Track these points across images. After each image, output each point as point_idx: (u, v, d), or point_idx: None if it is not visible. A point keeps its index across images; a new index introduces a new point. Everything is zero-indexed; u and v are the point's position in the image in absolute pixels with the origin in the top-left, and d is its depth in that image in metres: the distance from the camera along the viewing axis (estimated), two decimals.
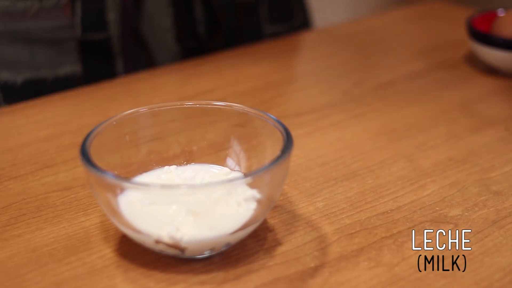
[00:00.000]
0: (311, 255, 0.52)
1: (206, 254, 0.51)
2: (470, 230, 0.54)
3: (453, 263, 0.51)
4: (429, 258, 0.51)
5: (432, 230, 0.54)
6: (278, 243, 0.53)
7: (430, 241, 0.53)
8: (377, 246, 0.53)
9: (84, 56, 0.82)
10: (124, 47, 0.83)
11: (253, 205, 0.50)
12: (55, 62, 0.80)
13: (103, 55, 0.83)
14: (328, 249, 0.52)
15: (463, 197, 0.59)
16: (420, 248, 0.52)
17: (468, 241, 0.53)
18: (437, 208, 0.57)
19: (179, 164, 0.57)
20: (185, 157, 0.57)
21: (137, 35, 0.84)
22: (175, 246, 0.48)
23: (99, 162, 0.50)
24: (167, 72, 0.84)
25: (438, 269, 0.50)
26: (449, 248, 0.52)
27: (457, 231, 0.54)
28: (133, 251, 0.52)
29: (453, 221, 0.56)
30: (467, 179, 0.61)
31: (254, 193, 0.50)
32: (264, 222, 0.55)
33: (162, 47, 0.86)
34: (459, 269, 0.50)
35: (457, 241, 0.53)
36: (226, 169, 0.56)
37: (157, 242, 0.48)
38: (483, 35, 0.83)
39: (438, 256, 0.51)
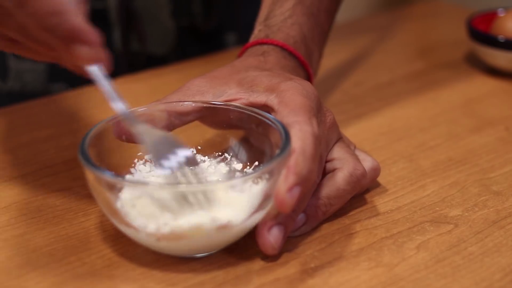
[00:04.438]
0: (311, 255, 0.52)
1: (206, 253, 0.51)
2: (470, 231, 0.54)
3: (453, 263, 0.51)
4: (429, 258, 0.51)
5: (432, 230, 0.54)
6: None
7: (430, 241, 0.53)
8: (377, 246, 0.53)
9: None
10: (121, 19, 0.84)
11: (252, 203, 0.50)
12: None
13: (101, 25, 0.84)
14: (328, 249, 0.52)
15: (463, 197, 0.59)
16: (420, 248, 0.52)
17: (468, 241, 0.53)
18: (437, 208, 0.57)
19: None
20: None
21: (132, 8, 0.85)
22: (176, 237, 0.48)
23: (98, 162, 0.50)
24: (167, 72, 0.84)
25: (438, 269, 0.50)
26: (449, 248, 0.52)
27: (457, 231, 0.54)
28: (133, 251, 0.52)
29: (453, 221, 0.56)
30: (467, 179, 0.61)
31: (254, 191, 0.50)
32: None
33: (156, 22, 0.87)
34: (459, 269, 0.50)
35: (457, 241, 0.53)
36: (225, 168, 0.56)
37: (159, 239, 0.48)
38: (483, 35, 0.83)
39: (438, 256, 0.51)
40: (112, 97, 0.49)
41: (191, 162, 0.51)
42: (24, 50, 0.51)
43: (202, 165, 0.56)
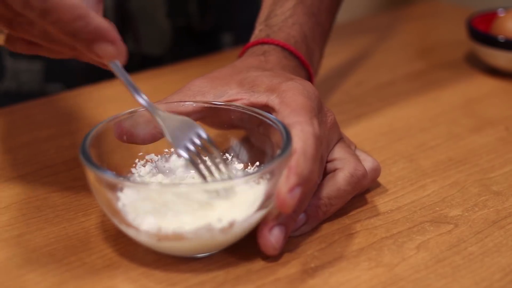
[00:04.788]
0: (311, 255, 0.52)
1: (207, 254, 0.51)
2: (470, 230, 0.54)
3: (453, 263, 0.51)
4: (429, 258, 0.51)
5: (432, 230, 0.54)
6: None
7: (430, 241, 0.53)
8: (377, 246, 0.53)
9: None
10: (117, 19, 0.85)
11: (253, 203, 0.50)
12: None
13: None
14: (328, 249, 0.52)
15: (463, 197, 0.59)
16: (420, 248, 0.52)
17: (468, 241, 0.53)
18: (437, 208, 0.57)
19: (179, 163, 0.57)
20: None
21: (127, 8, 0.85)
22: (177, 238, 0.48)
23: (99, 162, 0.50)
24: (167, 72, 0.84)
25: (438, 269, 0.50)
26: (449, 248, 0.52)
27: (457, 231, 0.54)
28: (133, 251, 0.52)
29: (453, 221, 0.56)
30: (467, 179, 0.61)
31: (255, 192, 0.50)
32: None
33: (152, 22, 0.87)
34: (459, 269, 0.50)
35: (457, 241, 0.53)
36: (225, 168, 0.56)
37: (160, 239, 0.48)
38: (483, 35, 0.83)
39: (438, 256, 0.51)
40: (132, 89, 0.51)
41: (211, 146, 0.52)
42: (46, 52, 0.52)
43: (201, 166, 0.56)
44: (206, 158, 0.52)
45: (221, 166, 0.52)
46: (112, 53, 0.48)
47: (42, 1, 0.45)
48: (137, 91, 0.51)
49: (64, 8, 0.46)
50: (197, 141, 0.52)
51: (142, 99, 0.51)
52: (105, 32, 0.47)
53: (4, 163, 0.64)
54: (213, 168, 0.52)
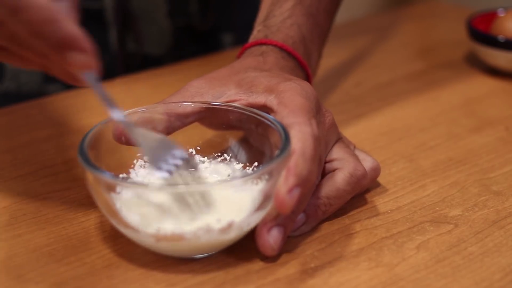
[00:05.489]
0: (311, 255, 0.52)
1: (206, 254, 0.51)
2: (470, 231, 0.54)
3: (453, 263, 0.51)
4: (429, 258, 0.51)
5: (432, 230, 0.54)
6: None
7: (430, 241, 0.53)
8: (377, 246, 0.53)
9: (80, 22, 0.83)
10: (118, 19, 0.84)
11: (252, 203, 0.50)
12: None
13: (98, 24, 0.84)
14: (328, 249, 0.52)
15: (463, 197, 0.59)
16: (420, 248, 0.52)
17: (468, 241, 0.53)
18: (437, 208, 0.57)
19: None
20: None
21: (128, 8, 0.85)
22: (176, 239, 0.48)
23: (98, 162, 0.50)
24: (167, 72, 0.84)
25: (438, 269, 0.50)
26: (449, 248, 0.52)
27: (457, 231, 0.54)
28: (133, 251, 0.52)
29: (453, 221, 0.56)
30: (467, 179, 0.61)
31: (254, 192, 0.50)
32: None
33: (153, 22, 0.87)
34: (459, 269, 0.50)
35: (457, 241, 0.53)
36: (225, 169, 0.56)
37: (159, 240, 0.48)
38: (483, 35, 0.83)
39: (438, 256, 0.51)
40: (107, 102, 0.49)
41: (189, 164, 0.51)
42: (13, 58, 0.50)
43: (201, 166, 0.56)
44: (185, 176, 0.51)
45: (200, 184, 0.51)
46: (84, 63, 0.46)
47: None
48: (112, 105, 0.49)
49: (35, 8, 0.45)
50: (175, 160, 0.50)
51: (117, 114, 0.49)
52: (77, 40, 0.46)
53: (4, 163, 0.64)
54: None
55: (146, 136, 0.51)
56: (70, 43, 0.46)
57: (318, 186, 0.54)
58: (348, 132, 0.69)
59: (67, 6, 0.47)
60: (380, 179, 0.60)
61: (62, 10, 0.46)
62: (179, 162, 0.50)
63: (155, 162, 0.50)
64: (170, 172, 0.50)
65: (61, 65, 0.48)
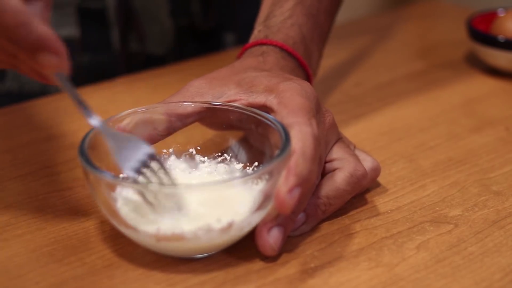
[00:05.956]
0: (311, 255, 0.52)
1: (206, 254, 0.51)
2: (470, 231, 0.54)
3: (453, 263, 0.51)
4: (429, 258, 0.51)
5: (432, 230, 0.54)
6: None
7: (430, 241, 0.53)
8: (377, 246, 0.53)
9: (82, 22, 0.84)
10: (120, 18, 0.85)
11: (252, 203, 0.50)
12: (55, 25, 0.82)
13: (100, 24, 0.84)
14: (328, 249, 0.52)
15: (463, 197, 0.59)
16: (420, 248, 0.52)
17: (468, 241, 0.53)
18: (437, 208, 0.57)
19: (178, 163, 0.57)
20: (184, 157, 0.57)
21: (130, 7, 0.85)
22: (176, 238, 0.48)
23: (98, 162, 0.50)
24: (167, 72, 0.84)
25: (438, 269, 0.50)
26: (449, 248, 0.52)
27: (457, 231, 0.54)
28: (133, 251, 0.52)
29: (453, 221, 0.56)
30: (467, 179, 0.61)
31: (254, 192, 0.50)
32: None
33: (155, 22, 0.87)
34: (459, 269, 0.50)
35: (457, 241, 0.53)
36: (225, 169, 0.56)
37: (159, 240, 0.48)
38: (483, 35, 0.83)
39: (438, 256, 0.51)
40: (76, 101, 0.49)
41: (160, 164, 0.51)
42: None
43: (201, 166, 0.56)
44: (155, 177, 0.50)
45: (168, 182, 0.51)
46: (55, 64, 0.46)
47: None
48: (84, 106, 0.49)
49: (6, 12, 0.45)
50: (147, 161, 0.50)
51: (91, 119, 0.49)
52: (48, 42, 0.46)
53: (4, 163, 0.64)
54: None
55: (115, 137, 0.50)
56: (42, 44, 0.46)
57: (318, 186, 0.54)
58: (348, 132, 0.69)
59: (40, 6, 0.47)
60: (380, 179, 0.60)
61: (34, 12, 0.46)
62: (149, 161, 0.50)
63: (124, 163, 0.50)
64: (138, 171, 0.50)
65: (30, 65, 0.48)
